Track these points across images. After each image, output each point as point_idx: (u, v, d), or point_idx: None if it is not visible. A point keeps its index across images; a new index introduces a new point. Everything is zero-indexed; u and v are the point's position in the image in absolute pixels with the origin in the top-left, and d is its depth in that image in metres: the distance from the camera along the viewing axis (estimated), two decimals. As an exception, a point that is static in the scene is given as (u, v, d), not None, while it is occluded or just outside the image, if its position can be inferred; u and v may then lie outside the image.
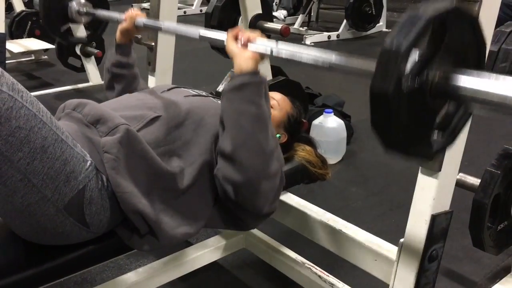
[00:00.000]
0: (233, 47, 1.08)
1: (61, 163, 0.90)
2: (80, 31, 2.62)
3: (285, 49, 1.01)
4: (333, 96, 2.92)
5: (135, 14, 1.40)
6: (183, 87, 1.32)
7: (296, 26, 5.72)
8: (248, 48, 1.07)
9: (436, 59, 0.72)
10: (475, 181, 1.36)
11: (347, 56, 0.89)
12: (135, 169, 1.00)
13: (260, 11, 1.99)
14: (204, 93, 1.30)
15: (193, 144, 1.10)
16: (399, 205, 2.11)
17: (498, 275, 1.65)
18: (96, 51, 3.64)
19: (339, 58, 0.89)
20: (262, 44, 1.07)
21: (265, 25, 1.99)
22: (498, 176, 1.29)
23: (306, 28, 5.76)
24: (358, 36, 5.52)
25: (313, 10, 5.92)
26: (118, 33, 1.41)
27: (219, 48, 2.23)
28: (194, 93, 1.26)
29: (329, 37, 5.44)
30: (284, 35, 2.01)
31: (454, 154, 1.09)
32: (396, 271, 1.17)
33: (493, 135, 2.71)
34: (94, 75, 3.78)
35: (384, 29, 5.83)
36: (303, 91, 2.50)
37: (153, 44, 1.86)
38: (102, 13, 1.91)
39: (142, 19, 1.39)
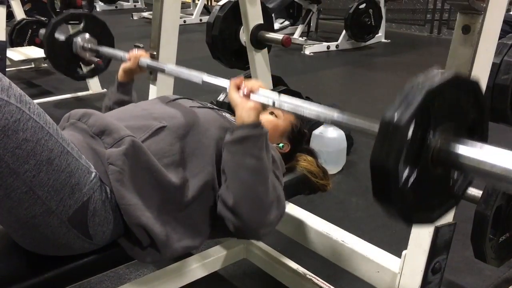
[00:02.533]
0: (235, 97, 1.07)
1: (67, 175, 0.90)
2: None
3: (287, 102, 1.00)
4: (333, 106, 2.93)
5: (139, 54, 1.41)
6: (188, 98, 1.31)
7: (295, 36, 5.75)
8: (250, 98, 1.06)
9: (438, 127, 0.70)
10: (477, 192, 1.35)
11: (349, 115, 0.88)
12: (139, 181, 0.99)
13: (261, 22, 1.99)
14: (209, 105, 1.29)
15: (197, 156, 1.09)
16: (399, 216, 2.11)
17: (500, 287, 1.65)
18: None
19: (341, 116, 0.89)
20: (264, 95, 1.05)
21: (267, 35, 1.99)
22: (500, 188, 1.29)
23: (305, 38, 5.80)
24: (357, 46, 5.56)
25: (312, 20, 5.96)
26: (120, 72, 1.42)
27: (221, 58, 2.25)
28: (199, 104, 1.26)
29: (328, 47, 5.48)
30: (285, 45, 2.01)
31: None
32: (399, 283, 1.17)
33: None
34: (94, 84, 3.78)
35: (383, 40, 5.88)
36: (304, 101, 2.51)
37: (154, 53, 1.86)
38: (106, 50, 1.96)
39: (146, 60, 1.41)
